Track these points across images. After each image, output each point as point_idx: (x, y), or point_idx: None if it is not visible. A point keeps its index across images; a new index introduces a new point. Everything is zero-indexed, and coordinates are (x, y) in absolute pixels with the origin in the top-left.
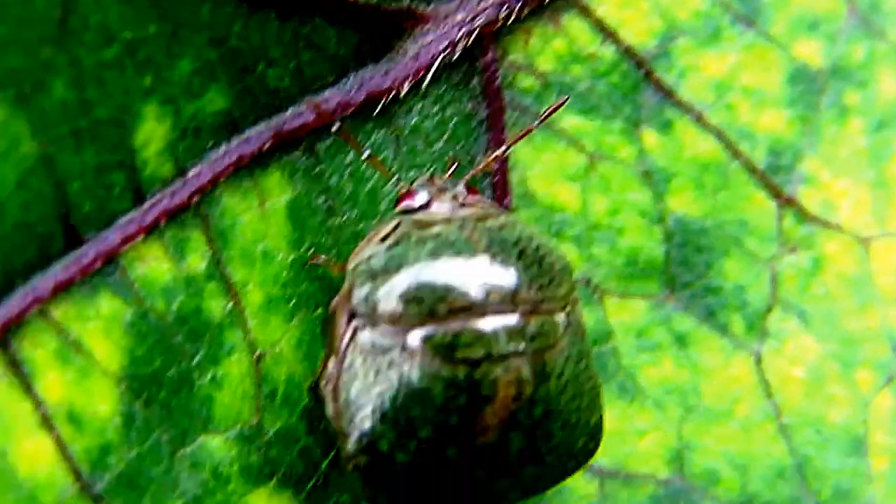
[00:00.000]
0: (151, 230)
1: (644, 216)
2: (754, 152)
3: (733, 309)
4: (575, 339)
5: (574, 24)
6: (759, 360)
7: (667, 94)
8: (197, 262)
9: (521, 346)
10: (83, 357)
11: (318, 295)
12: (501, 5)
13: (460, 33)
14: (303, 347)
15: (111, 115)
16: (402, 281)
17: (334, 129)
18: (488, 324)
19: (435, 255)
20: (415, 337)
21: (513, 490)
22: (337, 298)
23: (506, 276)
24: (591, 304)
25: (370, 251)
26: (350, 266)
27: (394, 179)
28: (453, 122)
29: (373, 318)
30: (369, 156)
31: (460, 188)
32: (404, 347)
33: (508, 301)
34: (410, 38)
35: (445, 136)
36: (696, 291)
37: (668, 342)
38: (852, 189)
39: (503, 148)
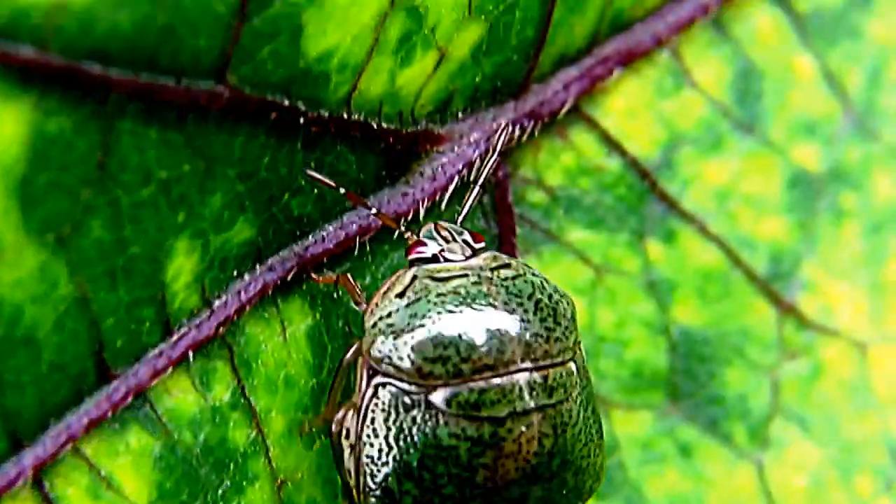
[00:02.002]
0: (179, 363)
1: (649, 328)
2: (755, 260)
3: (735, 418)
4: (583, 383)
5: (581, 138)
6: (761, 470)
7: (671, 205)
8: (222, 392)
9: (543, 400)
10: (113, 492)
11: None
12: (515, 123)
13: (476, 153)
14: (323, 472)
15: (145, 253)
16: (426, 340)
17: (311, 177)
18: (511, 381)
19: (456, 312)
20: (439, 396)
21: None
22: (352, 352)
23: (526, 332)
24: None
25: (389, 307)
26: (368, 322)
27: (403, 232)
28: None
29: (395, 376)
30: (377, 212)
31: (467, 235)
32: (429, 406)
33: (529, 356)
34: (427, 160)
35: None
36: (699, 401)
37: (672, 453)
38: (850, 293)
39: (480, 181)
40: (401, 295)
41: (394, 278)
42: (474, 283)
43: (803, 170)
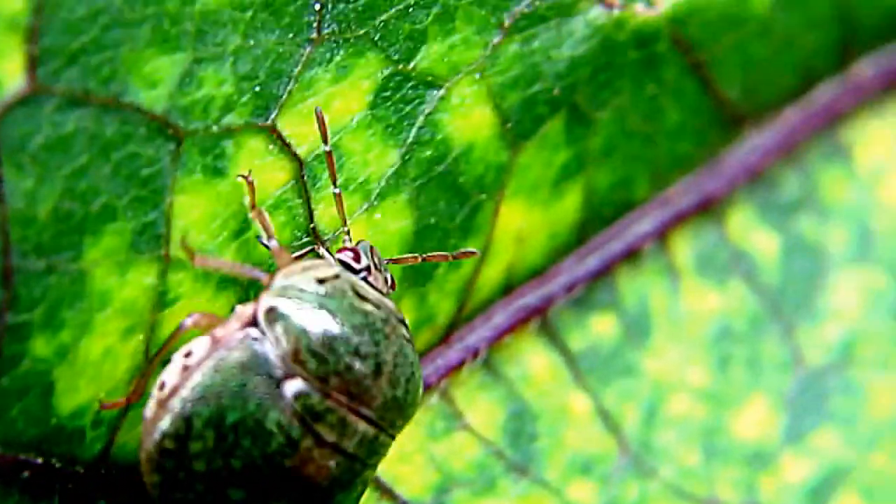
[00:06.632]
0: None
1: None
2: None
3: None
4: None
5: None
6: None
7: None
8: None
9: (361, 454)
10: None
11: None
12: None
13: None
14: None
15: None
16: (321, 334)
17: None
18: (357, 422)
19: (358, 332)
20: (293, 386)
21: None
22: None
23: (392, 393)
24: None
25: (305, 284)
26: (279, 282)
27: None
28: None
29: (270, 341)
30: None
31: (389, 275)
32: (278, 387)
33: (382, 414)
34: None
35: None
36: None
37: None
38: None
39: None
40: (321, 282)
41: (315, 262)
42: (383, 321)
43: None
